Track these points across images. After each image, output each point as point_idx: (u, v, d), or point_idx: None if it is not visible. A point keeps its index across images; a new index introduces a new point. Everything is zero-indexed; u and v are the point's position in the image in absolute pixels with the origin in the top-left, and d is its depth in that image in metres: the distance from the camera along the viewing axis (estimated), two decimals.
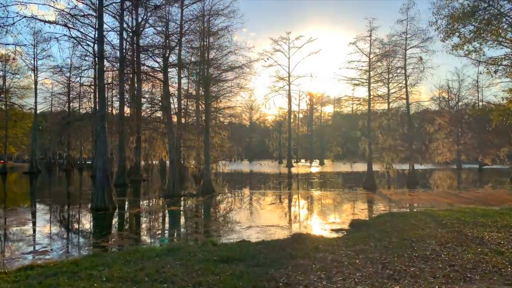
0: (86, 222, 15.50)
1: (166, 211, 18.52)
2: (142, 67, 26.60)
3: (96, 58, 18.68)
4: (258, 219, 15.48)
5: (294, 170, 58.15)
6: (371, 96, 30.37)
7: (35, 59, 54.79)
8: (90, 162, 56.63)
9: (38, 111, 72.81)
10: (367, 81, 30.21)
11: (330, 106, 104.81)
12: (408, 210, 18.17)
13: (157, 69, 24.10)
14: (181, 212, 18.18)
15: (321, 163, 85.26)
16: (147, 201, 23.29)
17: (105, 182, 18.22)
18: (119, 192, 27.73)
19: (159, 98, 35.01)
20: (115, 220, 15.97)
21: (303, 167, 70.72)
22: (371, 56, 30.37)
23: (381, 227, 12.31)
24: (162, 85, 34.38)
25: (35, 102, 55.42)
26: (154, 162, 53.57)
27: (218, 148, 31.06)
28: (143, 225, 14.79)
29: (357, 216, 16.62)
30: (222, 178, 40.87)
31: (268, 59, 69.10)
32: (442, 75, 76.04)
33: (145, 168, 56.66)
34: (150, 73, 25.38)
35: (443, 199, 22.54)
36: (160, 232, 13.42)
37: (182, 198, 22.86)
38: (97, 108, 18.86)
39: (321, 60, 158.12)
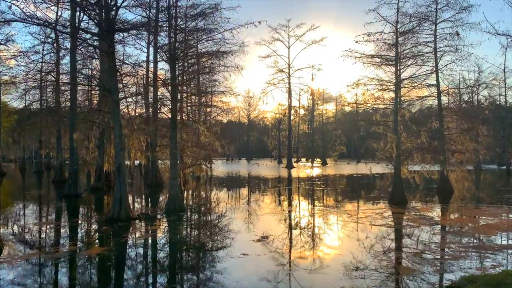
0: None
1: (80, 260, 10.90)
2: (78, 34, 19.01)
3: None
4: (237, 282, 8.03)
5: (295, 172, 50.67)
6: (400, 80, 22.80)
7: None
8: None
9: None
10: (394, 59, 22.68)
11: (332, 103, 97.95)
12: (501, 256, 10.60)
13: (96, 34, 16.56)
14: (104, 263, 10.64)
15: (324, 163, 77.88)
16: (70, 230, 15.28)
17: None
18: (60, 208, 20.36)
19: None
20: None
21: (304, 168, 63.34)
22: (399, 26, 22.82)
23: None
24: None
25: None
26: (138, 163, 46.43)
27: (195, 150, 23.62)
28: None
29: (412, 272, 9.22)
30: (207, 184, 33.51)
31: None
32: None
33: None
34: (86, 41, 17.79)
35: None
36: None
37: (131, 223, 15.42)
38: None
39: (322, 59, 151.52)
